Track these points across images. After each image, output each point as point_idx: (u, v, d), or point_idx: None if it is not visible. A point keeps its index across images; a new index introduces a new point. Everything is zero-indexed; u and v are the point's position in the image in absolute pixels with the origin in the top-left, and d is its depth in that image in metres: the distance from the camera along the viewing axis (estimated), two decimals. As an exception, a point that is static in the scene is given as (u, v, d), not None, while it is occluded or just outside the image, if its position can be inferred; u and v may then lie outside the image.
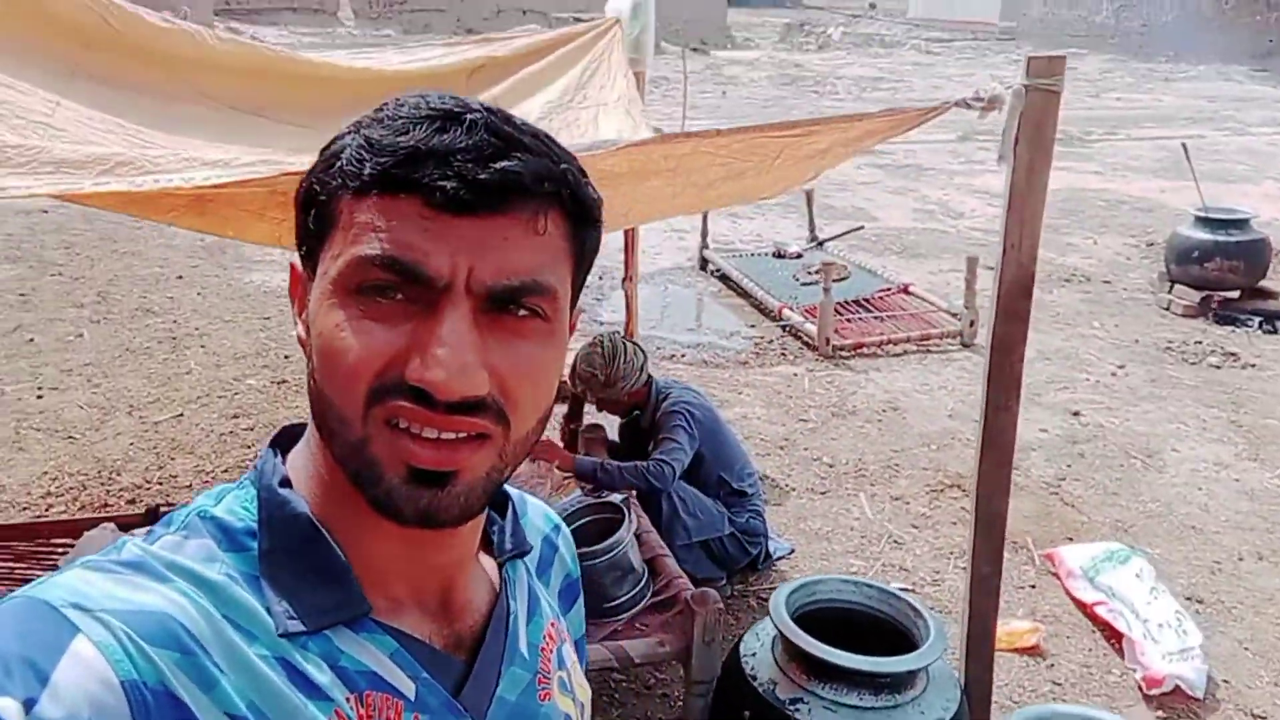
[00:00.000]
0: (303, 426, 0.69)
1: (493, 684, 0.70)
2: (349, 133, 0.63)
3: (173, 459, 4.35)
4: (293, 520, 0.64)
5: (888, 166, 11.27)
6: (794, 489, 4.40)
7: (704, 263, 7.86)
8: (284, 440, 0.70)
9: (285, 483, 0.66)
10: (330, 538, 0.64)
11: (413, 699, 0.64)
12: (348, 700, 0.61)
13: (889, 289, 6.92)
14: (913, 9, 30.78)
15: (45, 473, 4.18)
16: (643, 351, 3.65)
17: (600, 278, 7.43)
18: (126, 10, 2.81)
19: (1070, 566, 3.60)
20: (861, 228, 8.29)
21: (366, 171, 0.60)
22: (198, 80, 2.97)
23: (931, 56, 22.77)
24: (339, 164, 0.61)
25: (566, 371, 3.68)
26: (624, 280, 5.36)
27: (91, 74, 2.77)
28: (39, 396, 4.90)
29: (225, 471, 4.24)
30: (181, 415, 4.80)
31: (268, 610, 0.61)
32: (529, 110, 3.34)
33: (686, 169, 2.30)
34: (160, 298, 6.43)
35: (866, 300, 6.71)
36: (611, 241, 8.24)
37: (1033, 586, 3.69)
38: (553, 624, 0.80)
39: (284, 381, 5.23)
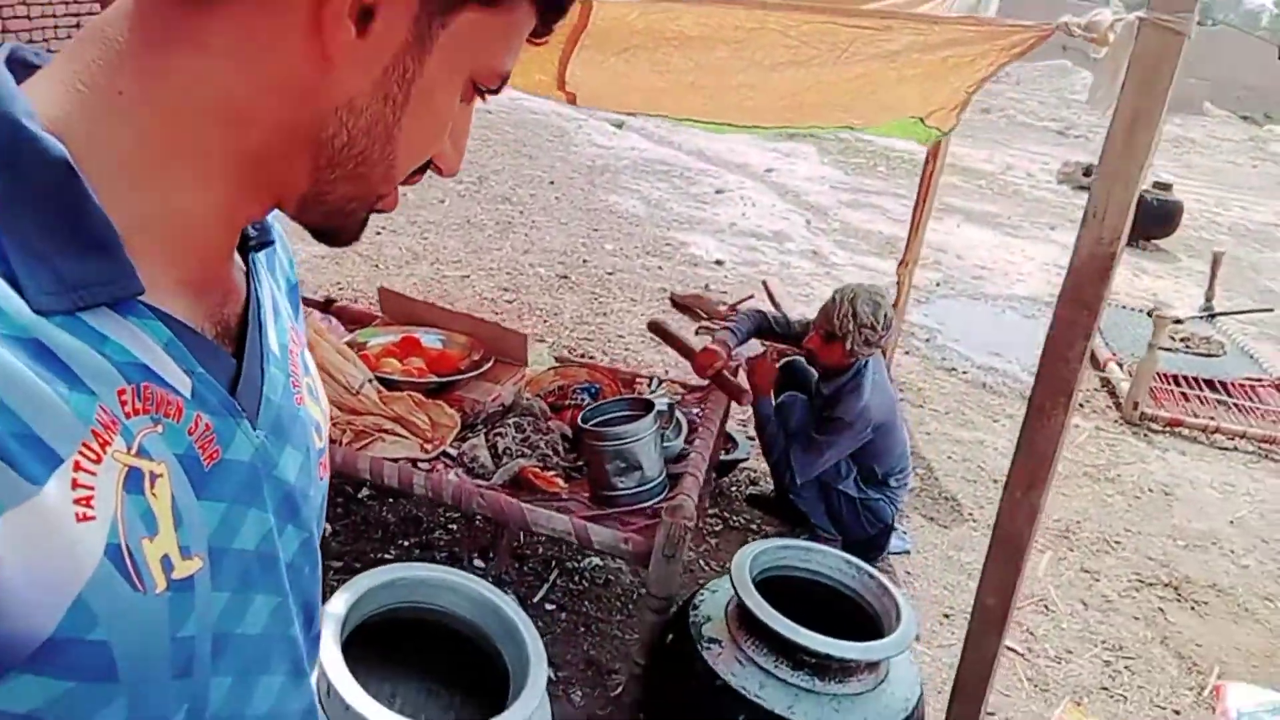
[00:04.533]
0: (39, 61, 0.55)
1: (259, 382, 0.62)
2: None
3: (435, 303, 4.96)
4: (46, 165, 0.48)
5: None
6: (975, 521, 3.93)
7: (1063, 302, 7.10)
8: (14, 66, 0.54)
9: (29, 117, 0.49)
10: (94, 194, 0.49)
11: (190, 396, 0.54)
12: (121, 393, 0.50)
13: (1261, 380, 5.75)
14: None
15: (337, 283, 4.98)
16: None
17: (938, 285, 7.05)
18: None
19: (1230, 706, 2.86)
20: (1272, 310, 6.93)
21: None
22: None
23: None
24: None
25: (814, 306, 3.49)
26: (899, 265, 5.05)
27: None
28: (378, 233, 5.81)
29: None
30: (467, 277, 5.43)
31: (10, 280, 0.46)
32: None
33: (753, 44, 2.16)
34: (524, 193, 7.24)
35: (1224, 384, 5.64)
36: (946, 242, 7.71)
37: (1176, 712, 2.99)
38: (292, 326, 0.72)
39: (566, 278, 5.67)
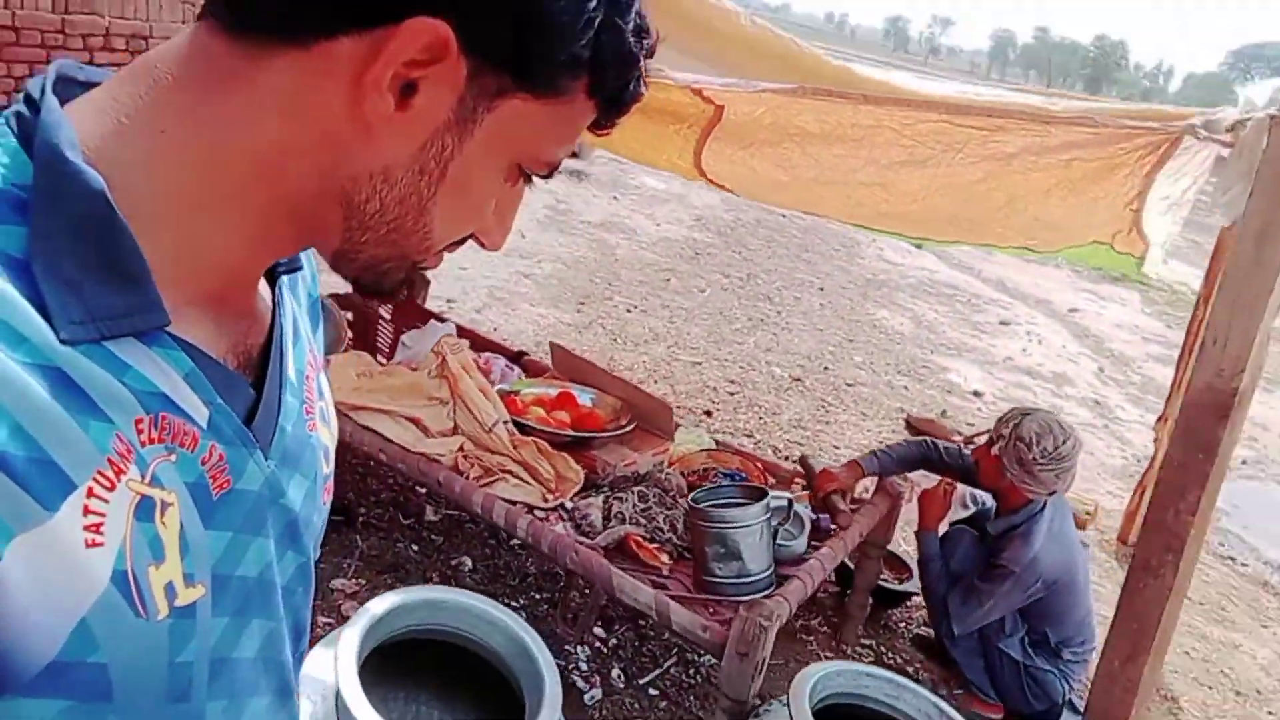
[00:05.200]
0: (84, 76, 0.56)
1: (275, 411, 0.63)
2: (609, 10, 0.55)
3: (654, 383, 5.04)
4: (85, 197, 0.49)
5: None
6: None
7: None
8: (59, 84, 0.54)
9: (72, 146, 0.50)
10: (129, 228, 0.50)
11: (206, 426, 0.55)
12: (138, 422, 0.51)
13: None
14: None
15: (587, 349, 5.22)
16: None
17: (1243, 464, 6.11)
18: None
19: None
20: None
21: (612, 89, 0.58)
22: (729, 54, 3.42)
23: None
24: (602, 53, 0.55)
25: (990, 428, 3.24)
26: (1157, 420, 4.45)
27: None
28: (628, 311, 6.04)
29: (689, 411, 4.77)
30: (699, 364, 5.47)
31: (39, 307, 0.47)
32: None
33: (870, 141, 2.05)
34: (789, 295, 7.22)
35: None
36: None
37: None
38: (311, 349, 0.73)
39: (799, 380, 5.56)
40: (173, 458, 0.53)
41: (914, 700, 2.20)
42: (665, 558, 2.59)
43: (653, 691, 2.86)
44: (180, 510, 0.53)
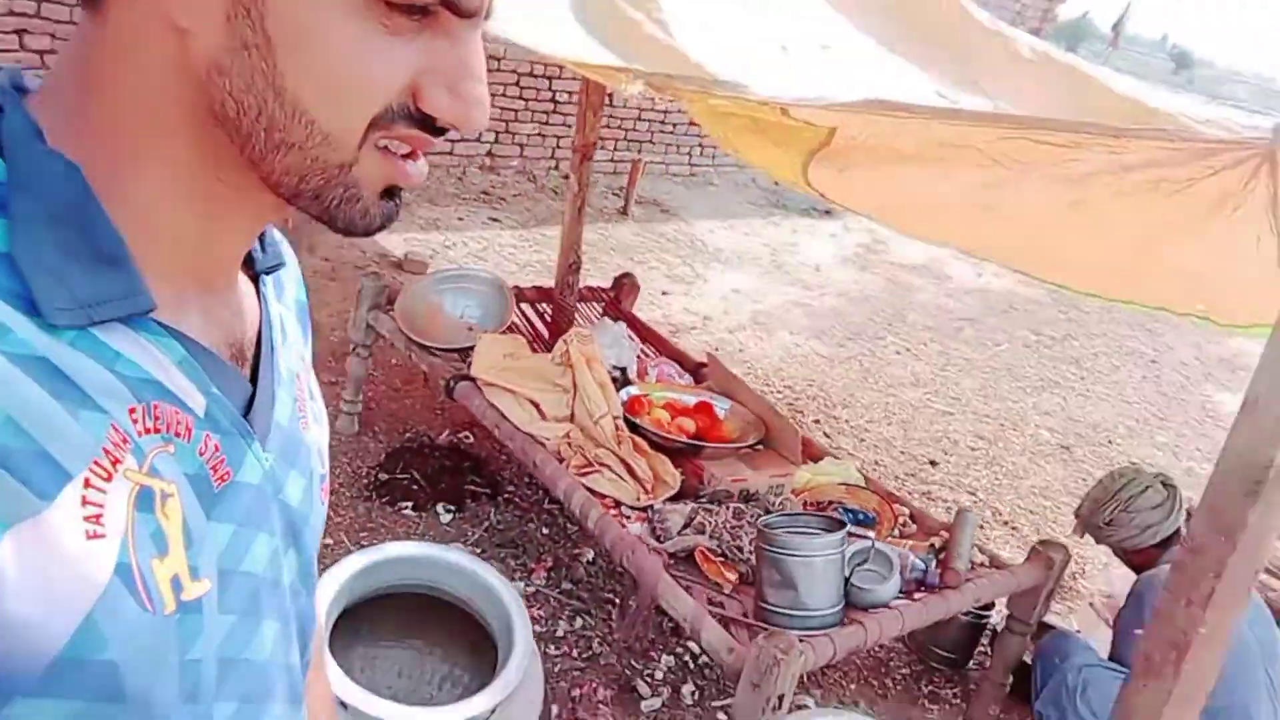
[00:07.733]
0: (35, 86, 0.54)
1: (270, 405, 0.62)
2: None
3: (887, 426, 4.76)
4: (61, 183, 0.48)
5: None
6: None
7: None
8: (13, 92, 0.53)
9: (39, 137, 0.49)
10: (104, 209, 0.50)
11: (202, 415, 0.54)
12: (132, 411, 0.50)
13: None
14: None
15: (813, 381, 5.07)
16: (1176, 502, 2.66)
17: None
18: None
19: None
20: None
21: None
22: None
23: None
24: None
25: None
26: None
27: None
28: (897, 353, 5.75)
29: (911, 457, 4.47)
30: (951, 414, 5.07)
31: (25, 296, 0.46)
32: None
33: (951, 161, 1.82)
34: (1106, 362, 6.44)
35: None
36: None
37: None
38: (301, 351, 0.72)
39: (1067, 449, 4.94)
40: (170, 448, 0.52)
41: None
42: (732, 576, 2.48)
43: (721, 716, 2.73)
44: (182, 501, 0.52)
